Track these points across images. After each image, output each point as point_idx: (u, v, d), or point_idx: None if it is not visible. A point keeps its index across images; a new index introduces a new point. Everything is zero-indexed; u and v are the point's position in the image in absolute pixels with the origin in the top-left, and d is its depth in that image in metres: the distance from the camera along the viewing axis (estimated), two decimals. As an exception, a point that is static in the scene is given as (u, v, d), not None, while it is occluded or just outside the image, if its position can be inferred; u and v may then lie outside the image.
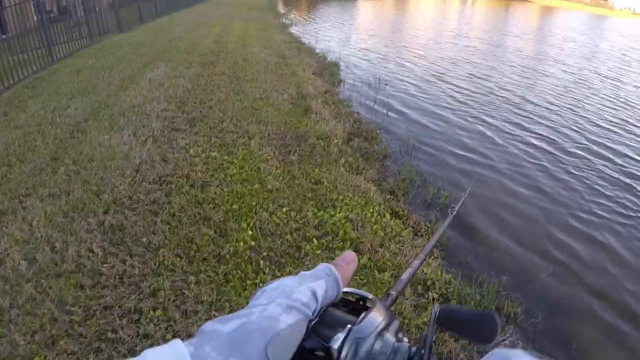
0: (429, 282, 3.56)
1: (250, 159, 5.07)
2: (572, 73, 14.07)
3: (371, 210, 4.28)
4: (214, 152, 5.18)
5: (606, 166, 6.76)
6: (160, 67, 9.30)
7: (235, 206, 4.05)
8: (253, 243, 3.58)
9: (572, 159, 6.93)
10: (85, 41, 12.18)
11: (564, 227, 5.06)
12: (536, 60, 15.93)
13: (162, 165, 4.80)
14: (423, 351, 0.51)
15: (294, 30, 18.88)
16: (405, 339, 0.54)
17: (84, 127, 5.82)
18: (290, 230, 3.79)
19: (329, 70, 11.15)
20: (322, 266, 0.54)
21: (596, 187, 6.05)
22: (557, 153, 7.09)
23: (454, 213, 1.21)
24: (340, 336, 0.48)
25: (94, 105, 6.72)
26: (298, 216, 4.02)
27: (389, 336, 0.52)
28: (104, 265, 3.24)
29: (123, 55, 10.69)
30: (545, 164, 6.64)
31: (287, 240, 3.66)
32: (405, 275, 0.76)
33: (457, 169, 6.17)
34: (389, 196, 4.90)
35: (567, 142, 7.66)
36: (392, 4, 40.92)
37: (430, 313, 0.57)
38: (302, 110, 7.25)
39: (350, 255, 0.59)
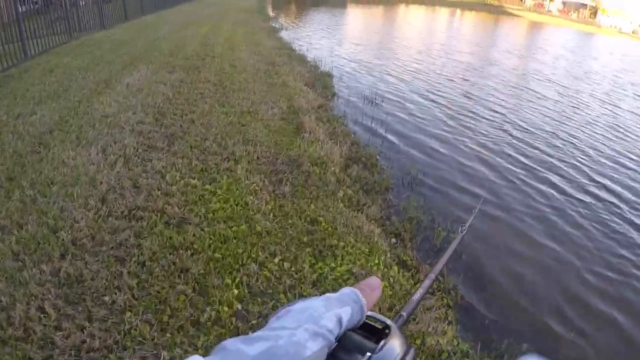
0: (444, 356, 3.01)
1: (237, 189, 4.45)
2: (569, 96, 13.65)
3: (377, 260, 3.70)
4: (194, 179, 4.55)
5: (618, 212, 6.22)
6: (140, 70, 8.63)
7: (217, 254, 3.42)
8: (239, 306, 2.97)
9: (576, 200, 6.37)
10: (63, 37, 11.42)
11: (578, 284, 4.57)
12: (531, 80, 15.42)
13: (133, 194, 4.15)
14: None
15: (284, 35, 18.26)
16: None
17: (48, 139, 5.14)
18: (285, 289, 3.19)
19: (321, 81, 10.60)
20: (348, 290, 0.54)
21: (610, 238, 5.52)
22: (559, 195, 6.47)
23: (464, 232, 1.21)
24: None
25: (62, 112, 6.05)
26: (293, 268, 3.42)
27: None
28: (58, 333, 2.60)
29: (102, 54, 10.00)
30: (547, 208, 6.00)
31: (281, 302, 3.06)
32: (416, 296, 0.76)
33: (463, 206, 5.55)
34: (394, 240, 4.34)
35: (572, 180, 7.09)
36: (381, 13, 40.36)
37: None
38: (294, 127, 6.67)
39: (375, 281, 0.59)
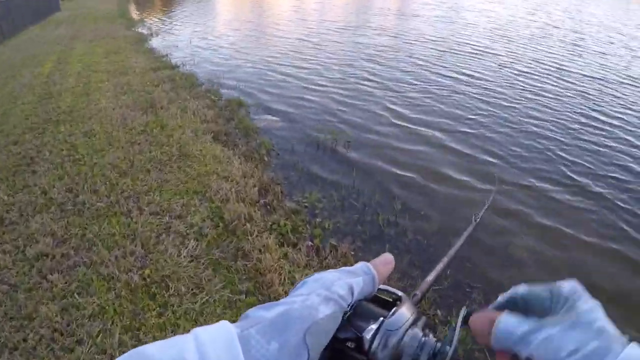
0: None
1: None
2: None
3: None
4: None
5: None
6: None
7: None
8: None
9: None
10: None
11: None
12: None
13: None
14: (448, 347, 0.51)
15: (156, 43, 13.58)
16: (431, 335, 0.54)
17: None
18: None
19: (237, 121, 6.71)
20: (361, 264, 0.55)
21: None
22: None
23: (477, 220, 1.19)
24: (373, 327, 0.50)
25: None
26: None
27: (417, 331, 0.53)
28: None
29: None
30: None
31: None
32: (429, 277, 0.77)
33: None
34: None
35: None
36: None
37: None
38: (252, 289, 3.14)
39: (388, 257, 0.58)
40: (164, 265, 3.41)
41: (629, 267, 3.93)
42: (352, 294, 0.49)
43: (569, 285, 0.47)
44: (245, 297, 3.13)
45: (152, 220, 4.00)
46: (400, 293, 0.57)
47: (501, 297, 0.53)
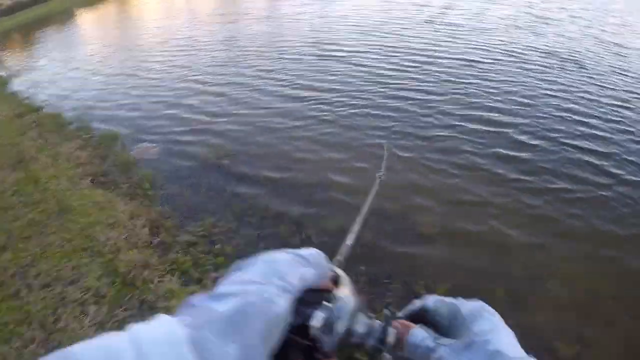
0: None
1: None
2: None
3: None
4: None
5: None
6: None
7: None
8: None
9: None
10: None
11: None
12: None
13: None
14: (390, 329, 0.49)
15: (17, 85, 12.04)
16: (373, 316, 0.51)
17: None
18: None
19: (114, 157, 6.04)
20: (316, 253, 0.49)
21: None
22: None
23: (382, 177, 1.16)
24: (320, 315, 0.46)
25: None
26: None
27: (362, 315, 0.50)
28: None
29: None
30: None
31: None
32: (349, 241, 0.74)
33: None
34: None
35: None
36: (113, 12, 26.78)
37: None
38: None
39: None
40: (69, 344, 2.93)
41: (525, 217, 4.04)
42: (304, 283, 0.44)
43: (469, 306, 0.46)
44: None
45: (44, 294, 3.51)
46: (340, 272, 0.52)
47: (412, 306, 0.52)
